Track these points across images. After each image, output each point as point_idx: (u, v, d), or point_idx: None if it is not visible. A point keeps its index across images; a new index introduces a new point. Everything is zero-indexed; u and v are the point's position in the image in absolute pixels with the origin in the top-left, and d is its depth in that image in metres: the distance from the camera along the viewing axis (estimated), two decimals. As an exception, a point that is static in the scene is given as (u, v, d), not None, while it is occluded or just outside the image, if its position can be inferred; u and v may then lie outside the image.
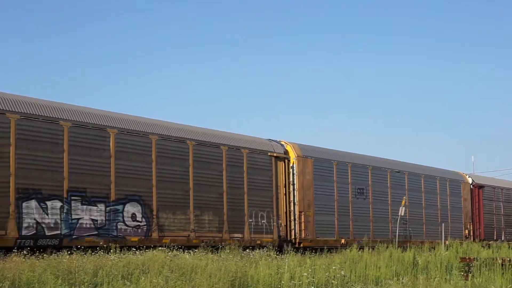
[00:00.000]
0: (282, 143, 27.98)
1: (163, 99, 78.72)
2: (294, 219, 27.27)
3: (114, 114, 21.87)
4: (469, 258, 19.35)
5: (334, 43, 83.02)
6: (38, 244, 18.63)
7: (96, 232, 20.23)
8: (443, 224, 32.74)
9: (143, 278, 13.58)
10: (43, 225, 18.96)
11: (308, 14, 79.37)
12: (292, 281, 14.60)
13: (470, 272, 17.90)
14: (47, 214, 19.06)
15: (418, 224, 34.37)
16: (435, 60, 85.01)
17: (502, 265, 17.92)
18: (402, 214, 30.55)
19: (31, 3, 70.62)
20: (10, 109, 18.75)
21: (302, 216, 27.45)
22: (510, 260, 18.33)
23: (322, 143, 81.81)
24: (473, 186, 39.09)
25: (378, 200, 31.92)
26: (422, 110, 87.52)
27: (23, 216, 18.51)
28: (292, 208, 27.29)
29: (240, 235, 24.83)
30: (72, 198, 19.73)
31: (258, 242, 25.31)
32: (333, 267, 16.76)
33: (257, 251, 20.30)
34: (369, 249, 22.67)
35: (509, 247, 31.53)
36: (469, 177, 39.56)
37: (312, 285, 14.55)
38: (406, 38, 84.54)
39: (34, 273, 13.53)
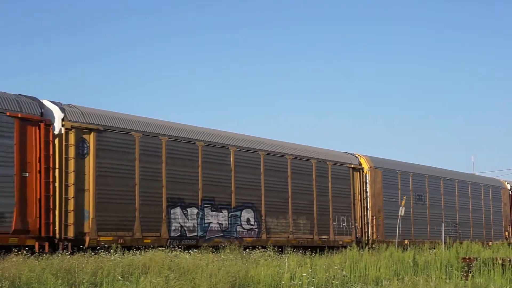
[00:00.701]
0: (357, 155, 32.01)
1: (163, 99, 79.26)
2: (368, 223, 31.36)
3: (233, 135, 25.98)
4: (469, 258, 19.46)
5: (334, 43, 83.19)
6: (182, 244, 22.72)
7: (222, 234, 24.33)
8: (442, 224, 35.16)
9: (143, 278, 13.78)
10: (185, 228, 23.08)
11: (308, 14, 79.81)
12: (292, 281, 14.79)
13: (470, 272, 17.85)
14: (188, 219, 23.17)
15: (466, 227, 38.43)
16: (435, 60, 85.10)
17: (502, 265, 17.96)
18: (402, 214, 32.28)
19: (31, 3, 71.18)
20: (163, 133, 22.86)
21: (374, 220, 31.55)
22: (510, 260, 18.42)
23: (322, 143, 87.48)
24: (511, 192, 43.15)
25: (433, 205, 35.95)
26: (422, 110, 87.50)
27: (172, 220, 22.62)
28: (365, 213, 31.38)
29: (326, 236, 28.94)
30: (205, 205, 23.83)
31: (341, 242, 29.40)
32: (333, 267, 17.19)
33: (257, 251, 21.30)
34: (428, 249, 25.64)
35: (509, 246, 33.12)
36: (508, 183, 43.53)
37: (312, 285, 14.71)
38: (406, 38, 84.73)
39: (34, 273, 13.80)
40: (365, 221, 31.39)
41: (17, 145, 18.91)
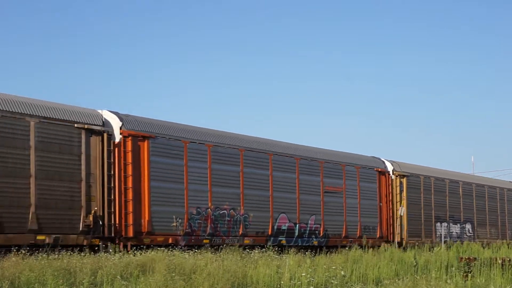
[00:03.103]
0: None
1: (163, 99, 78.98)
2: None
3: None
4: (469, 258, 19.50)
5: (334, 43, 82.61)
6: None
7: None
8: (442, 224, 36.36)
9: (142, 278, 13.76)
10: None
11: (308, 14, 78.84)
12: (292, 281, 14.68)
13: (470, 272, 17.88)
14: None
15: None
16: (435, 60, 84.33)
17: (502, 265, 18.05)
18: (402, 214, 33.36)
19: (31, 3, 70.66)
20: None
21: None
22: (510, 260, 18.49)
23: (320, 143, 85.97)
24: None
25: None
26: (422, 110, 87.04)
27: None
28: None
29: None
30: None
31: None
32: (333, 267, 17.09)
33: (257, 251, 21.24)
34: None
35: (509, 247, 33.51)
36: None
37: (312, 285, 14.57)
38: (406, 38, 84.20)
39: (33, 273, 13.77)
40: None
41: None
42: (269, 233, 26.98)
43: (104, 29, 72.81)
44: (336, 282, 15.11)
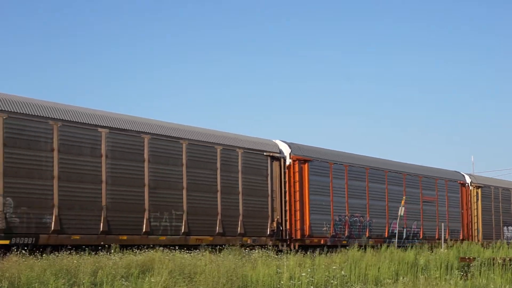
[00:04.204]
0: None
1: (163, 99, 79.16)
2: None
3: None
4: (469, 258, 19.80)
5: (334, 43, 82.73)
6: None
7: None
8: (442, 224, 37.01)
9: (141, 279, 13.89)
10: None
11: (308, 14, 79.43)
12: (292, 281, 14.77)
13: (470, 272, 18.01)
14: None
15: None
16: (435, 60, 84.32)
17: (503, 265, 18.22)
18: (402, 214, 34.01)
19: (31, 3, 70.78)
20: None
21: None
22: (510, 260, 18.71)
23: (320, 143, 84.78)
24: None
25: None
26: (422, 110, 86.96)
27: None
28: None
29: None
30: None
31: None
32: (333, 267, 17.25)
33: (256, 250, 22.15)
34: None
35: (508, 247, 34.40)
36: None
37: (312, 285, 14.65)
38: (406, 38, 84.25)
39: (33, 272, 13.73)
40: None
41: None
42: (385, 235, 33.35)
43: (104, 29, 72.43)
44: (336, 282, 15.38)
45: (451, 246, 30.56)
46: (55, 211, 19.95)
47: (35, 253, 17.36)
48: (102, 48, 72.77)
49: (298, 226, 28.51)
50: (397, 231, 33.70)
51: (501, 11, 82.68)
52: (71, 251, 18.48)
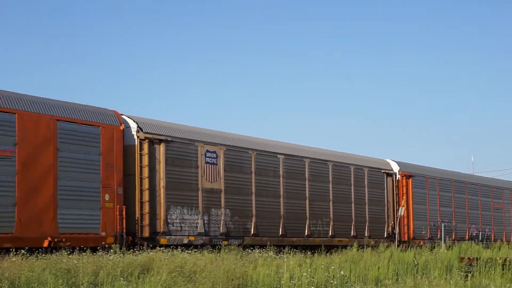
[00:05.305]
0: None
1: (163, 99, 78.92)
2: None
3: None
4: (469, 258, 19.87)
5: (334, 43, 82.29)
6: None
7: None
8: (442, 224, 38.57)
9: (141, 279, 14.01)
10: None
11: (308, 14, 78.71)
12: (292, 281, 14.82)
13: (470, 272, 18.11)
14: None
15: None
16: (435, 60, 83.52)
17: (503, 265, 18.37)
18: (402, 214, 35.45)
19: (31, 3, 70.35)
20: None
21: None
22: (510, 260, 18.79)
23: (320, 143, 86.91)
24: None
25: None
26: (422, 110, 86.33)
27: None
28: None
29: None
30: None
31: None
32: (333, 267, 17.33)
33: (256, 250, 22.54)
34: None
35: (508, 247, 35.33)
36: None
37: (312, 285, 14.72)
38: (406, 38, 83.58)
39: (33, 272, 13.72)
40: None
41: None
42: (466, 238, 39.76)
43: (104, 29, 72.04)
44: (335, 282, 15.64)
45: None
46: (254, 219, 26.51)
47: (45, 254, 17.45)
48: (102, 48, 72.70)
49: (405, 230, 34.96)
50: (476, 233, 40.14)
51: (501, 11, 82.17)
52: (181, 249, 20.44)
